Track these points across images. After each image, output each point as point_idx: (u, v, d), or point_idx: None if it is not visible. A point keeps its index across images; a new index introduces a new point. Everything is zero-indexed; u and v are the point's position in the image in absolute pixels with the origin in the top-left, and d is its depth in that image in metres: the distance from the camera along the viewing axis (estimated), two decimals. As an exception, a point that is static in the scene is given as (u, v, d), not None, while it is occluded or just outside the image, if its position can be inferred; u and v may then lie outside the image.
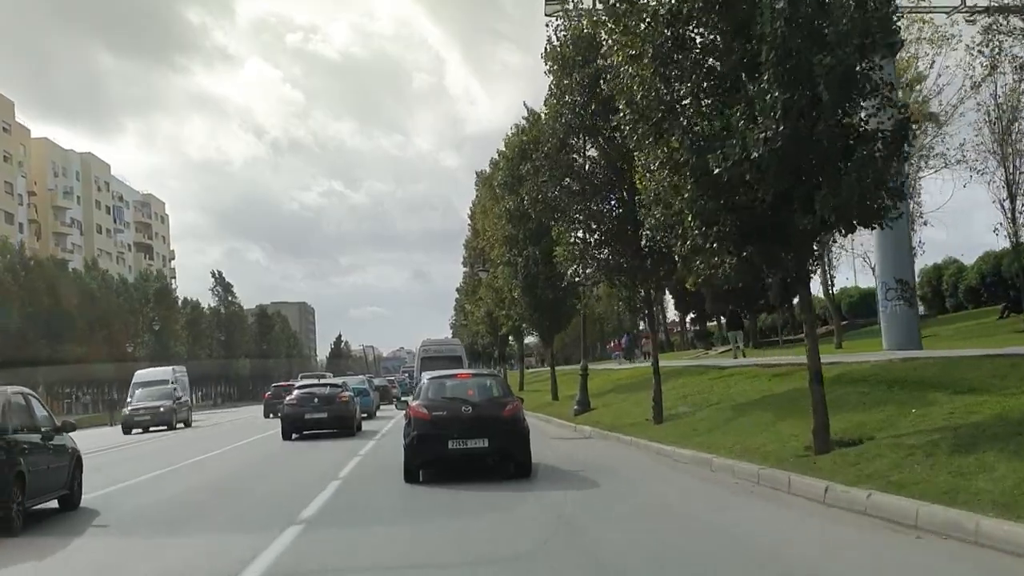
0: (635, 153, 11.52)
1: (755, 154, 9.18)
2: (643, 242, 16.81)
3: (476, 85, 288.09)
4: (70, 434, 11.59)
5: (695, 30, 10.10)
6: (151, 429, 34.12)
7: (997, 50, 24.83)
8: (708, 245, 10.43)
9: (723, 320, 49.25)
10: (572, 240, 17.54)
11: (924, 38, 28.43)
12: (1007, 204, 27.53)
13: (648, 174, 11.14)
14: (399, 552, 7.77)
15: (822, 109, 9.12)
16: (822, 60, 8.78)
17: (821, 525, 7.79)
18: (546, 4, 19.71)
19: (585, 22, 17.55)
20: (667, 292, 56.51)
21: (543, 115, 17.64)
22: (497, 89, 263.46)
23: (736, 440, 12.58)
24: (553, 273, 28.16)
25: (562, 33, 17.29)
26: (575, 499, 10.17)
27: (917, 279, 30.51)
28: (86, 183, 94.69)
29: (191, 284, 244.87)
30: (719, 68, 9.96)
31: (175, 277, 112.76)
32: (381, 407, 38.07)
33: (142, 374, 40.06)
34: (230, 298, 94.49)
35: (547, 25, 17.70)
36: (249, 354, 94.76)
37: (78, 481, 11.27)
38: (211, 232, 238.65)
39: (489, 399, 12.38)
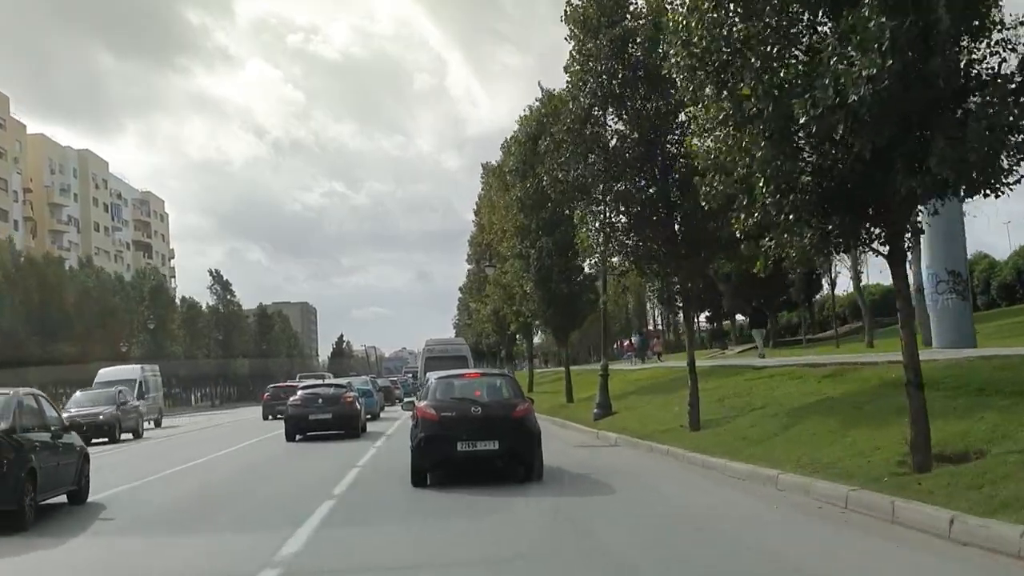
0: (689, 110, 9.60)
1: (853, 97, 7.29)
2: (677, 226, 15.00)
3: (477, 86, 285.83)
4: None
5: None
6: (93, 441, 22.80)
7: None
8: (783, 218, 8.54)
9: (738, 319, 47.46)
10: (596, 224, 15.63)
11: None
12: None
13: (705, 134, 9.25)
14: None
15: (938, 39, 7.23)
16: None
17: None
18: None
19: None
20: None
21: (566, 83, 15.69)
22: (498, 90, 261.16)
23: (802, 452, 10.68)
24: (568, 266, 26.42)
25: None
26: (618, 532, 8.29)
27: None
28: (83, 180, 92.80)
29: (192, 285, 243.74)
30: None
31: (174, 276, 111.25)
32: (385, 408, 37.15)
33: (106, 373, 35.18)
34: (229, 296, 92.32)
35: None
36: (248, 354, 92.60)
37: (86, 477, 11.78)
38: (212, 233, 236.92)
39: (499, 400, 11.97)
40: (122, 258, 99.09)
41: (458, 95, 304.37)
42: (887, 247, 8.69)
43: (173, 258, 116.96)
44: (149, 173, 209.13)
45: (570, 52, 15.78)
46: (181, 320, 79.47)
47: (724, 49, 8.51)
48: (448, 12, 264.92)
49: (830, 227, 8.51)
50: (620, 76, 14.83)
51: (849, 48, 7.42)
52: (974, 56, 7.65)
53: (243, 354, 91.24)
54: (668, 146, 15.08)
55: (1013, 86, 7.41)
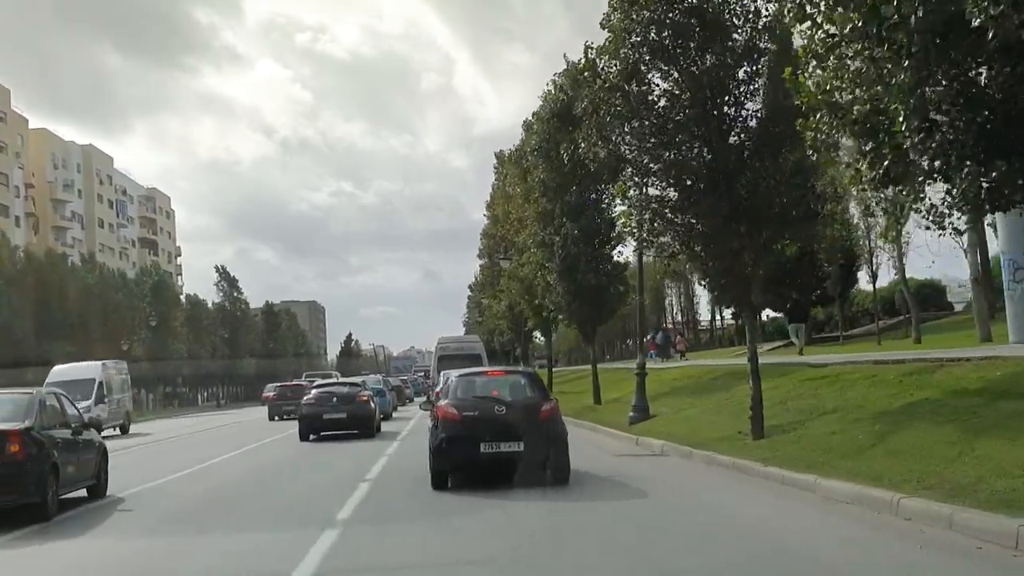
0: (791, 30, 7.49)
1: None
2: (736, 200, 12.88)
3: (485, 85, 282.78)
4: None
5: None
6: None
7: None
8: (929, 162, 6.43)
9: (770, 314, 45.20)
10: (642, 198, 13.51)
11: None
12: None
13: (814, 60, 7.14)
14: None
15: None
16: None
17: None
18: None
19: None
20: (700, 284, 52.63)
21: (606, 40, 13.48)
22: (506, 89, 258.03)
23: (919, 469, 8.56)
24: (596, 254, 24.32)
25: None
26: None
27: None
28: (87, 176, 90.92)
29: (202, 285, 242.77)
30: None
31: (181, 274, 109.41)
32: (397, 408, 36.12)
33: (59, 372, 29.46)
34: (235, 294, 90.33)
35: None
36: (255, 353, 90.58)
37: (104, 472, 12.30)
38: (221, 232, 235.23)
39: (524, 399, 11.42)
40: (127, 255, 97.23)
41: (466, 94, 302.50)
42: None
43: (179, 255, 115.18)
44: (158, 173, 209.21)
45: (609, 2, 13.68)
46: (185, 317, 77.45)
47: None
48: (456, 11, 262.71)
49: (994, 174, 6.38)
50: (670, 24, 12.73)
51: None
52: None
53: (250, 353, 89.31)
54: (726, 108, 13.03)
55: None
